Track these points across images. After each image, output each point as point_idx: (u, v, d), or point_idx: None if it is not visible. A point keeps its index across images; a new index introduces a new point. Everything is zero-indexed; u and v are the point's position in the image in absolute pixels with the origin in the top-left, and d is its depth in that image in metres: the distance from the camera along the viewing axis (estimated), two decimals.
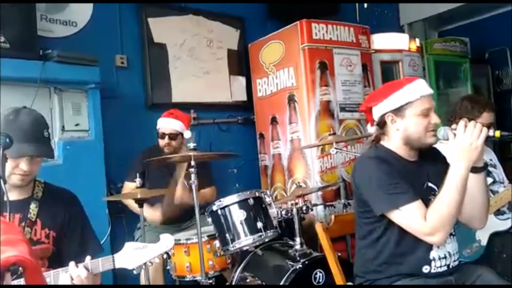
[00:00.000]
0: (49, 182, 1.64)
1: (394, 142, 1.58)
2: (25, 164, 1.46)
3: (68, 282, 1.35)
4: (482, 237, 2.04)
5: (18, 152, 1.41)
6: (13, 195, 1.49)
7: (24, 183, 1.52)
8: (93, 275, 1.40)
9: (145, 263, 1.47)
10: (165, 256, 1.51)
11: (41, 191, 1.58)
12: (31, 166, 1.49)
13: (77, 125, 2.70)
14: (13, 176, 1.47)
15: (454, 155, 1.41)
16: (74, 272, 1.36)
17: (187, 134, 2.75)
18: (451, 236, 1.54)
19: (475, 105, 2.10)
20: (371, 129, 1.65)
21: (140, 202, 2.26)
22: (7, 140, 1.25)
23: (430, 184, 1.53)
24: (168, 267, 2.41)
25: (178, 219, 2.80)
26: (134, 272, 1.46)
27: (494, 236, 2.05)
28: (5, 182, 1.18)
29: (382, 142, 1.62)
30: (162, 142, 2.80)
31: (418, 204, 1.42)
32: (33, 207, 1.53)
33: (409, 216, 1.43)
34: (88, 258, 1.43)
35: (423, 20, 4.91)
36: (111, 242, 2.67)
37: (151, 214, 2.70)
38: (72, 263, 1.39)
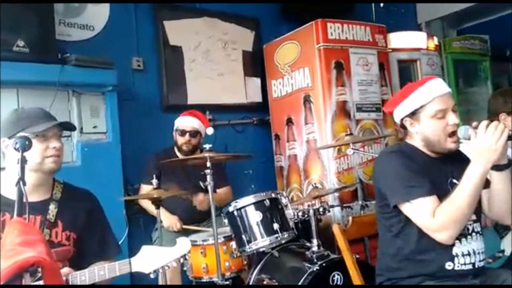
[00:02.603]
0: (68, 182, 1.65)
1: (416, 141, 1.58)
2: (55, 141, 1.50)
3: None
4: (507, 246, 1.98)
5: (45, 126, 1.45)
6: (33, 197, 1.50)
7: (57, 166, 1.53)
8: None
9: (161, 267, 1.46)
10: (181, 260, 1.50)
11: (60, 191, 1.59)
12: (60, 143, 1.52)
13: (95, 127, 2.73)
14: (47, 159, 1.48)
15: (472, 155, 1.39)
16: None
17: (210, 130, 2.77)
18: (477, 234, 1.51)
19: (509, 98, 2.05)
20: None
21: (157, 203, 2.28)
22: (26, 142, 1.27)
23: (454, 181, 1.50)
24: (185, 268, 2.42)
25: (196, 219, 2.80)
26: (151, 276, 1.46)
27: None
28: (24, 184, 1.19)
29: (407, 140, 1.61)
30: (181, 140, 2.83)
31: (430, 200, 1.41)
32: (52, 208, 1.53)
33: (419, 211, 1.41)
34: (65, 269, 1.40)
35: (441, 18, 4.82)
36: (128, 243, 2.70)
37: (170, 221, 2.69)
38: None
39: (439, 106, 1.47)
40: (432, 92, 1.49)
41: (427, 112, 1.48)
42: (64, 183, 1.63)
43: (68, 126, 1.63)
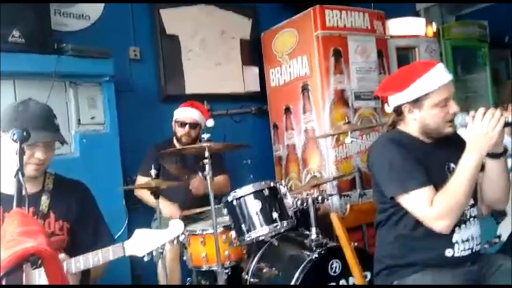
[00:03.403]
0: (60, 174, 1.64)
1: (411, 128, 1.56)
2: (41, 153, 1.47)
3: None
4: (504, 232, 2.00)
5: (34, 139, 1.41)
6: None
7: (38, 174, 1.52)
8: (70, 275, 1.38)
9: (156, 250, 1.47)
10: (175, 242, 1.50)
11: (52, 182, 1.58)
12: (46, 154, 1.49)
13: (92, 118, 2.73)
14: (29, 166, 1.47)
15: (468, 143, 1.39)
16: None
17: (210, 122, 2.76)
18: (474, 219, 1.52)
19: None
20: (389, 109, 1.60)
21: (156, 194, 2.28)
22: (24, 133, 1.26)
23: (452, 165, 1.49)
24: (184, 258, 2.44)
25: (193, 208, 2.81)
26: (145, 259, 1.46)
27: None
28: (23, 175, 1.19)
29: (398, 127, 1.59)
30: (181, 131, 2.82)
31: (427, 190, 1.41)
32: (45, 199, 1.53)
33: (416, 201, 1.41)
34: (61, 256, 1.40)
35: (440, 4, 4.77)
36: (128, 233, 2.71)
37: (171, 210, 2.70)
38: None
39: (443, 95, 1.46)
40: (438, 80, 1.46)
41: (431, 100, 1.46)
42: (55, 175, 1.62)
43: (59, 140, 1.55)
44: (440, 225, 1.39)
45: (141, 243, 1.45)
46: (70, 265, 1.39)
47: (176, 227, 1.50)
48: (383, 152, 1.53)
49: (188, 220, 2.77)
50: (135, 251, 1.45)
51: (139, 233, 1.47)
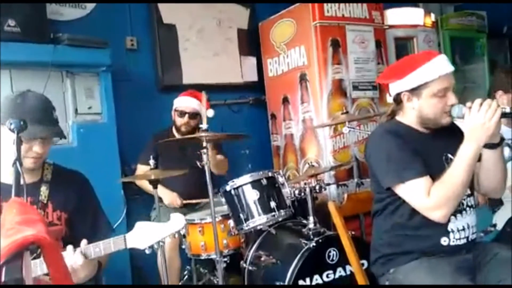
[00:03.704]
0: (58, 164, 1.64)
1: (409, 118, 1.56)
2: (38, 147, 1.47)
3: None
4: (499, 221, 2.02)
5: (32, 134, 1.42)
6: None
7: (36, 166, 1.53)
8: (89, 261, 1.40)
9: (157, 242, 1.48)
10: (176, 235, 1.52)
11: (50, 173, 1.58)
12: (44, 148, 1.49)
13: (90, 108, 2.72)
14: (26, 159, 1.47)
15: (466, 133, 1.40)
16: (70, 259, 1.37)
17: (210, 113, 2.73)
18: (471, 208, 1.53)
19: (509, 76, 2.04)
20: (390, 99, 1.62)
21: (154, 184, 2.29)
22: (21, 123, 1.26)
23: (450, 156, 1.50)
24: (183, 246, 2.45)
25: (193, 197, 2.83)
26: (146, 251, 1.47)
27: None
28: (21, 165, 1.19)
29: (397, 117, 1.60)
30: (180, 121, 2.82)
31: (424, 180, 1.42)
32: (44, 190, 1.54)
33: (413, 191, 1.43)
34: (83, 242, 1.42)
35: None
36: (127, 223, 2.72)
37: (169, 197, 2.71)
38: (69, 247, 1.39)
39: (443, 85, 1.46)
40: (438, 70, 1.46)
41: (430, 89, 1.47)
42: (54, 164, 1.62)
43: (58, 135, 1.54)
44: (437, 215, 1.41)
45: (142, 236, 1.46)
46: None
47: (178, 221, 1.51)
48: (381, 143, 1.53)
49: (187, 209, 2.79)
50: (137, 244, 1.46)
51: (140, 225, 1.48)
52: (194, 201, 2.74)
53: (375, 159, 1.54)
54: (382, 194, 1.55)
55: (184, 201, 2.74)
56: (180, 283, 2.62)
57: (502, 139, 1.48)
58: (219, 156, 2.82)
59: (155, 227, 1.49)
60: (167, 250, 2.35)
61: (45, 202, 1.53)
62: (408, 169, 1.43)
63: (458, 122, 1.63)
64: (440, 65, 1.48)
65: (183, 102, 2.84)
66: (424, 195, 1.40)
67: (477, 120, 1.36)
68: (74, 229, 1.57)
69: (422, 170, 1.43)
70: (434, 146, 1.53)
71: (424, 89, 1.48)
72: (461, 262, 1.48)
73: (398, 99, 1.56)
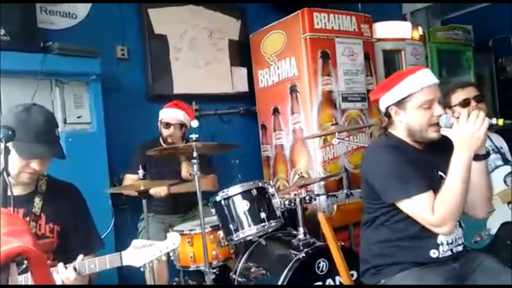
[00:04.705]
0: (52, 176, 1.64)
1: (399, 132, 1.59)
2: (37, 164, 1.46)
3: (58, 283, 1.36)
4: (493, 225, 2.04)
5: (32, 154, 1.41)
6: (17, 190, 1.50)
7: (32, 181, 1.52)
8: (82, 276, 1.40)
9: (151, 261, 1.48)
10: (171, 254, 1.52)
11: (45, 184, 1.58)
12: (42, 166, 1.49)
13: (79, 117, 2.70)
14: (23, 174, 1.46)
15: (456, 144, 1.41)
16: (62, 274, 1.36)
17: (194, 123, 2.72)
18: (457, 223, 1.54)
19: (446, 94, 2.11)
20: (381, 113, 1.65)
21: (143, 195, 2.26)
22: (9, 132, 1.25)
23: (440, 173, 1.52)
24: (172, 258, 2.42)
25: (182, 209, 2.81)
26: (141, 269, 1.47)
27: (505, 225, 2.04)
28: (8, 174, 1.18)
29: (390, 130, 1.62)
30: (166, 132, 2.80)
31: (428, 195, 1.42)
32: (38, 201, 1.53)
33: (419, 207, 1.42)
34: (80, 257, 1.42)
35: (426, 8, 4.86)
36: (115, 233, 2.69)
37: (155, 188, 2.61)
38: (60, 265, 1.39)
39: (427, 97, 1.48)
40: (421, 82, 1.49)
41: (414, 101, 1.49)
42: (48, 176, 1.61)
43: (58, 156, 1.53)
44: (444, 230, 1.42)
45: (138, 254, 1.46)
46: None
47: (173, 239, 1.52)
48: (379, 157, 1.54)
49: (175, 220, 2.77)
50: (132, 262, 1.45)
51: (136, 243, 1.48)
52: (180, 188, 2.65)
53: (373, 174, 1.54)
54: (374, 205, 1.56)
55: (171, 189, 2.66)
56: None
57: (488, 152, 1.50)
58: (206, 177, 2.76)
59: (151, 245, 1.48)
60: (155, 262, 2.31)
61: (38, 214, 1.52)
62: (412, 184, 1.43)
63: (446, 132, 1.65)
64: (424, 77, 1.51)
65: (168, 114, 2.82)
66: (429, 212, 1.40)
67: (466, 129, 1.38)
68: (66, 242, 1.56)
69: (426, 184, 1.43)
70: (427, 162, 1.54)
71: (408, 101, 1.50)
72: (449, 272, 1.50)
73: (387, 113, 1.59)
